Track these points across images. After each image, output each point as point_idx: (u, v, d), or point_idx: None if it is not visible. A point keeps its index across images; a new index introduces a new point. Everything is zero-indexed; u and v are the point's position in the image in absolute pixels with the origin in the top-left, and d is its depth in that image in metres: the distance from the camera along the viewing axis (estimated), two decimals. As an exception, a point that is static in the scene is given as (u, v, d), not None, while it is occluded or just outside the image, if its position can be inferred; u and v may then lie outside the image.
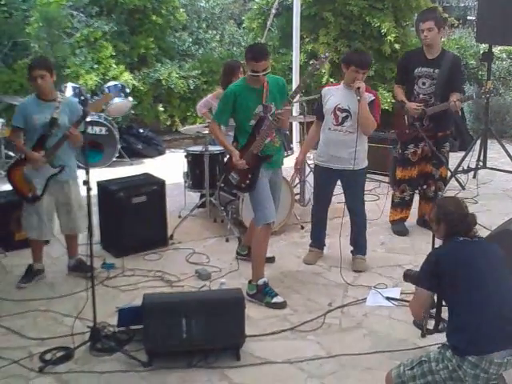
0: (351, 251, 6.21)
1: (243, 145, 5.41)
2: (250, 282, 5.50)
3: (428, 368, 3.72)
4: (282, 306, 5.32)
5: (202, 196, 7.41)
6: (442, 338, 4.72)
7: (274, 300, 5.34)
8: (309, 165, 7.88)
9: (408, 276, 4.43)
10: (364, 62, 5.75)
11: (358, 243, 6.19)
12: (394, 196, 7.03)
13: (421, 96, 6.61)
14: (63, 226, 5.77)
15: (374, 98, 5.82)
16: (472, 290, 3.68)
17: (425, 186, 6.93)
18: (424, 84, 6.60)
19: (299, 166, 6.34)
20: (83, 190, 4.69)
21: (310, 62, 5.58)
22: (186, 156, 7.37)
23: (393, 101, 9.49)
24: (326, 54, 5.61)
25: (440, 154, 6.11)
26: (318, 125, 6.05)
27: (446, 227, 3.87)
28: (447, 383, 3.67)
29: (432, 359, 3.74)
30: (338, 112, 5.82)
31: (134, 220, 6.33)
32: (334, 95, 5.85)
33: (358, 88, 5.58)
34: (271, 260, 6.15)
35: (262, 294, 5.38)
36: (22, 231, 5.84)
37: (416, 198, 7.11)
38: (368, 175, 8.68)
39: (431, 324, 4.94)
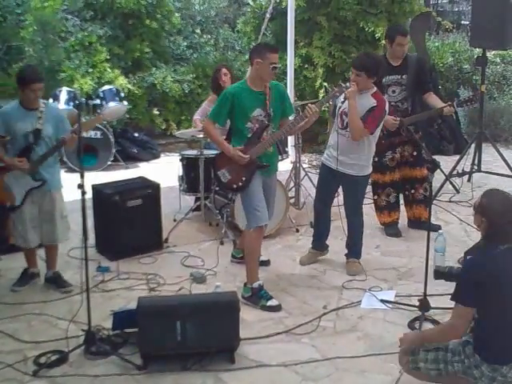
0: (345, 254, 6.22)
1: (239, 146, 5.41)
2: (245, 284, 5.51)
3: (442, 356, 3.73)
4: (276, 309, 5.32)
5: (196, 199, 7.41)
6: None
7: (269, 303, 5.34)
8: (304, 169, 7.90)
9: (440, 274, 4.34)
10: (357, 64, 5.73)
11: (352, 247, 6.19)
12: (377, 200, 7.01)
13: (392, 103, 6.56)
14: (44, 236, 5.65)
15: (375, 104, 5.71)
16: (507, 307, 3.58)
17: (412, 191, 6.95)
18: (394, 92, 6.63)
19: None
20: (76, 195, 4.67)
21: (331, 89, 5.58)
22: (180, 160, 7.37)
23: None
24: (347, 84, 5.55)
25: (428, 156, 6.08)
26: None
27: (488, 227, 3.60)
28: (457, 375, 3.69)
29: (449, 350, 3.75)
30: (343, 116, 5.81)
31: (128, 223, 6.33)
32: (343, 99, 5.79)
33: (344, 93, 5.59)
34: (266, 263, 6.15)
35: (257, 296, 5.38)
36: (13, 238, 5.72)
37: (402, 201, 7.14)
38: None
39: (427, 327, 4.94)
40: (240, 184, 5.38)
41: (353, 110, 5.63)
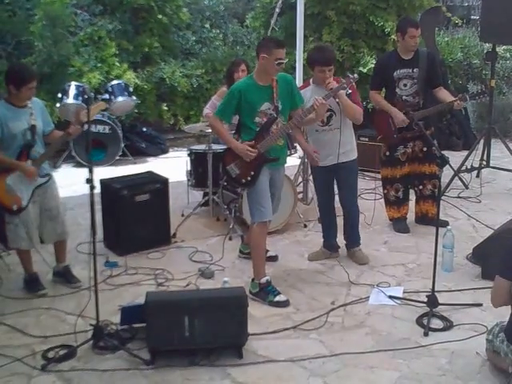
0: (346, 245, 6.30)
1: (248, 141, 5.38)
2: (252, 280, 5.50)
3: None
4: (284, 304, 5.32)
5: (205, 194, 7.41)
6: (445, 336, 4.76)
7: (277, 298, 5.34)
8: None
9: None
10: (328, 59, 5.71)
11: (353, 236, 6.27)
12: (387, 195, 7.02)
13: (404, 97, 6.61)
14: (50, 234, 5.56)
15: (350, 91, 5.77)
16: None
17: (421, 187, 6.94)
18: (405, 85, 6.61)
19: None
20: (84, 190, 4.66)
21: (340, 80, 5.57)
22: (189, 155, 7.38)
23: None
24: (355, 75, 5.56)
25: (437, 152, 6.03)
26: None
27: None
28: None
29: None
30: None
31: (137, 218, 6.34)
32: (312, 98, 5.60)
33: (331, 89, 5.52)
34: (274, 259, 6.16)
35: (265, 292, 5.37)
36: (9, 242, 5.49)
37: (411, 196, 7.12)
38: (368, 173, 8.77)
39: (434, 323, 4.94)
40: (249, 178, 5.37)
41: (347, 103, 5.69)
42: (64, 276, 5.76)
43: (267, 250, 5.94)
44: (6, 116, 5.21)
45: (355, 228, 6.26)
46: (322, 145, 5.91)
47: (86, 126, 5.04)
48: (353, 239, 6.27)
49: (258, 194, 5.39)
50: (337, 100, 5.67)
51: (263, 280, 5.41)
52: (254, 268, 5.50)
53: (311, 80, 5.93)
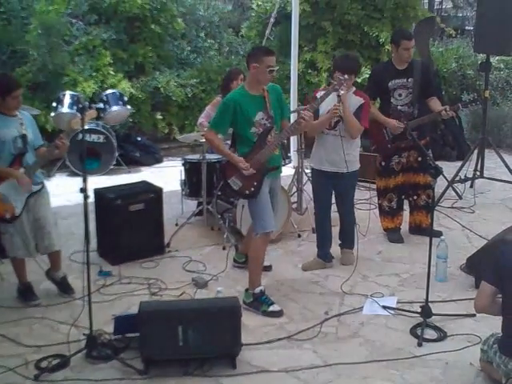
0: (339, 245, 6.41)
1: (246, 152, 5.36)
2: (246, 290, 5.49)
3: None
4: (278, 314, 5.31)
5: (199, 204, 7.40)
6: (438, 346, 4.76)
7: (271, 308, 5.33)
8: (306, 174, 7.89)
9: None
10: (347, 67, 5.78)
11: (348, 237, 6.38)
12: (381, 205, 7.04)
13: (399, 107, 6.64)
14: (44, 245, 5.48)
15: (363, 101, 5.91)
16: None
17: (415, 197, 6.96)
18: (400, 95, 6.63)
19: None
20: (78, 199, 4.66)
21: (330, 81, 5.65)
22: (183, 164, 7.37)
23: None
24: (345, 76, 5.56)
25: (431, 163, 6.04)
26: None
27: None
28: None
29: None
30: None
31: (130, 228, 6.33)
32: (330, 99, 5.71)
33: (339, 96, 5.61)
34: (268, 268, 6.14)
35: (259, 302, 5.36)
36: (6, 251, 5.46)
37: (406, 206, 7.14)
38: (362, 184, 8.77)
39: (428, 333, 4.94)
40: (252, 189, 5.34)
41: (348, 113, 5.75)
42: (61, 285, 5.74)
43: None
44: None
45: (350, 234, 6.35)
46: (325, 148, 6.01)
47: (80, 136, 5.04)
48: (346, 240, 6.42)
49: (260, 205, 5.36)
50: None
51: (257, 290, 5.40)
52: (250, 278, 5.48)
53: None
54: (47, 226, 5.48)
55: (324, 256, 6.32)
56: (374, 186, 7.32)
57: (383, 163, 6.86)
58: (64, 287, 5.72)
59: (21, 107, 5.48)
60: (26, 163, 5.29)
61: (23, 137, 5.28)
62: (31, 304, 5.49)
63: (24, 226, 5.34)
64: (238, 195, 5.67)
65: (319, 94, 5.74)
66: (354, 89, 5.98)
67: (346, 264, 6.29)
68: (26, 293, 5.58)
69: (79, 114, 4.87)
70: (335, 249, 6.41)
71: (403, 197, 7.02)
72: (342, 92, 5.61)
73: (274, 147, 5.37)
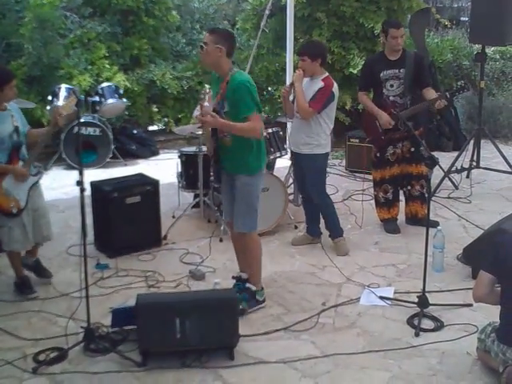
0: (329, 235, 6.53)
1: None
2: (255, 289, 5.30)
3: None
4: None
5: (195, 196, 7.41)
6: (435, 336, 4.78)
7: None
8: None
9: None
10: (300, 50, 6.25)
11: (327, 228, 6.55)
12: (377, 196, 7.06)
13: (391, 98, 6.65)
14: (38, 235, 5.53)
15: (322, 85, 6.09)
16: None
17: (409, 187, 6.97)
18: (392, 86, 6.64)
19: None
20: (74, 192, 4.66)
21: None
22: (179, 156, 7.37)
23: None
24: (206, 89, 5.24)
25: (427, 153, 6.01)
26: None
27: None
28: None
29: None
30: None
31: (127, 220, 6.33)
32: (305, 87, 6.18)
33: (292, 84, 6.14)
34: None
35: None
36: (3, 245, 5.46)
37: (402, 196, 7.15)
38: (358, 174, 8.79)
39: (425, 323, 4.96)
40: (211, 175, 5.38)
41: (298, 92, 6.08)
42: (34, 269, 5.77)
43: None
44: None
45: (328, 221, 6.51)
46: (292, 129, 6.44)
47: (76, 129, 5.07)
48: (329, 231, 6.52)
49: (255, 199, 5.21)
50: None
51: (260, 286, 5.38)
52: (256, 276, 5.33)
53: None
54: (46, 216, 5.57)
55: (312, 231, 6.61)
56: (368, 177, 7.33)
57: (378, 154, 6.87)
58: (39, 271, 5.76)
59: (16, 100, 5.48)
60: (23, 155, 5.33)
61: (16, 129, 5.31)
62: (28, 297, 5.49)
63: (24, 218, 5.35)
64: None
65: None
66: (326, 74, 6.20)
67: (342, 254, 6.34)
68: (22, 286, 5.58)
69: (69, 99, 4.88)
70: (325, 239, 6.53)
71: (398, 188, 7.03)
72: (321, 85, 6.04)
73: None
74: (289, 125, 6.62)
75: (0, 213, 5.28)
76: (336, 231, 6.49)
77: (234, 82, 4.93)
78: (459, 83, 7.07)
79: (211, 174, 5.36)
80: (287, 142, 7.33)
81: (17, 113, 5.44)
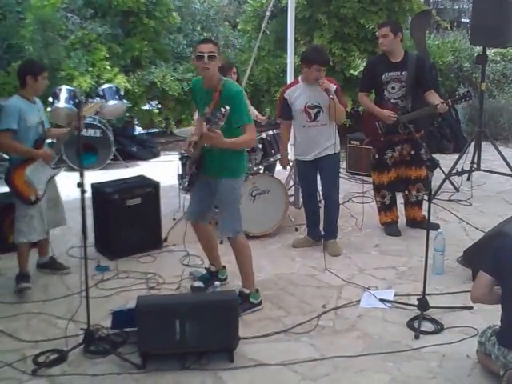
0: (323, 236, 6.58)
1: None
2: (249, 292, 5.31)
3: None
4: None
5: (196, 198, 7.39)
6: (435, 339, 4.77)
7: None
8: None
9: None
10: (326, 60, 6.16)
11: (329, 228, 6.55)
12: (376, 201, 7.10)
13: (392, 100, 6.64)
14: (51, 222, 5.79)
15: (336, 86, 6.15)
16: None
17: (406, 192, 6.97)
18: (394, 88, 6.63)
19: (285, 165, 6.89)
20: (75, 194, 4.69)
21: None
22: (180, 158, 7.36)
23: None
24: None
25: (428, 155, 6.00)
26: (287, 125, 6.50)
27: None
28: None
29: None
30: (308, 110, 6.18)
31: (128, 222, 6.33)
32: (300, 94, 6.18)
33: (327, 89, 5.94)
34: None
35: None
36: (19, 236, 5.57)
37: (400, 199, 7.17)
38: (359, 176, 8.79)
39: (425, 326, 4.95)
40: (187, 178, 5.45)
41: (338, 104, 6.06)
42: (51, 266, 5.97)
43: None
44: (24, 109, 5.46)
45: (332, 222, 6.53)
46: (308, 140, 6.28)
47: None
48: (328, 231, 6.55)
49: (238, 204, 5.27)
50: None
51: (254, 288, 5.39)
52: (249, 279, 5.35)
53: (300, 78, 6.27)
54: (59, 204, 5.91)
55: (313, 234, 6.67)
56: (369, 179, 7.32)
57: (377, 156, 6.86)
58: (56, 265, 5.99)
59: None
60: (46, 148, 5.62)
61: (42, 123, 5.62)
62: (20, 286, 5.57)
63: (41, 209, 5.58)
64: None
65: (288, 93, 6.23)
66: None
67: (334, 255, 6.38)
68: (20, 277, 5.68)
69: (76, 109, 5.08)
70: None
71: (396, 192, 7.02)
72: (335, 87, 6.08)
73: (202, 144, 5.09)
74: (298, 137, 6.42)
75: (21, 201, 5.49)
76: (336, 232, 6.58)
77: (229, 91, 4.95)
78: (463, 91, 7.06)
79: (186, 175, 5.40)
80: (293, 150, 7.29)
81: (42, 109, 5.78)
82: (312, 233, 6.67)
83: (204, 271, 5.93)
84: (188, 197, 7.50)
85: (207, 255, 5.79)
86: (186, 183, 5.43)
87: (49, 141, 5.84)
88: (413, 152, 6.74)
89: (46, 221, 5.68)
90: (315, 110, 6.15)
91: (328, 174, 6.40)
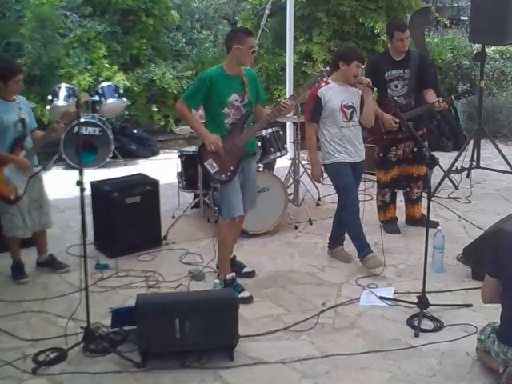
0: (332, 242, 6.37)
1: (225, 135, 5.29)
2: (218, 276, 5.54)
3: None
4: (248, 300, 5.34)
5: (195, 196, 7.41)
6: (435, 337, 4.77)
7: (241, 295, 5.31)
8: (303, 165, 7.89)
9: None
10: (364, 57, 6.12)
11: (342, 232, 6.34)
12: (377, 200, 7.09)
13: (395, 98, 6.63)
14: (35, 223, 5.74)
15: (361, 92, 6.03)
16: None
17: (408, 189, 6.97)
18: (397, 86, 6.63)
19: (319, 176, 6.21)
20: (74, 192, 4.68)
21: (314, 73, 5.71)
22: (179, 156, 7.37)
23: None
24: (327, 68, 5.58)
25: (427, 153, 5.99)
26: (316, 128, 6.00)
27: None
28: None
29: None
30: (344, 109, 5.92)
31: (127, 220, 6.32)
32: (334, 94, 5.88)
33: (368, 83, 5.86)
34: (251, 274, 5.91)
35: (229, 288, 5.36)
36: (7, 231, 5.68)
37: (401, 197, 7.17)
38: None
39: (425, 324, 4.95)
40: (229, 173, 5.33)
41: (372, 103, 6.07)
42: (51, 264, 5.96)
43: (244, 266, 5.93)
44: (0, 110, 5.40)
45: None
46: (347, 141, 5.95)
47: (76, 128, 5.19)
48: (340, 237, 6.32)
49: (232, 190, 5.34)
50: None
51: (229, 276, 5.44)
52: (220, 264, 5.54)
53: (330, 78, 5.90)
54: (45, 206, 5.81)
55: (342, 240, 6.35)
56: (369, 177, 7.31)
57: (381, 154, 6.85)
58: (55, 263, 5.98)
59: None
60: (26, 147, 5.53)
61: (22, 121, 5.52)
62: (19, 282, 5.65)
63: (24, 207, 5.55)
64: (214, 178, 5.46)
65: (322, 91, 5.89)
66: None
67: (348, 261, 6.22)
68: (16, 271, 5.75)
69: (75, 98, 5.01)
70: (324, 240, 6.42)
71: (396, 190, 7.02)
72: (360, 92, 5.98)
73: (254, 132, 5.43)
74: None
75: (0, 199, 5.49)
76: (344, 238, 6.34)
77: (250, 73, 5.46)
78: (465, 87, 7.08)
79: (229, 168, 5.32)
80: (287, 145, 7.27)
81: (26, 107, 5.68)
82: (341, 240, 6.34)
83: (203, 269, 5.94)
84: (186, 194, 7.56)
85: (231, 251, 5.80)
86: (227, 177, 5.32)
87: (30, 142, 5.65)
88: (415, 149, 6.73)
89: (31, 220, 5.68)
90: (350, 110, 5.92)
91: (358, 182, 6.16)
